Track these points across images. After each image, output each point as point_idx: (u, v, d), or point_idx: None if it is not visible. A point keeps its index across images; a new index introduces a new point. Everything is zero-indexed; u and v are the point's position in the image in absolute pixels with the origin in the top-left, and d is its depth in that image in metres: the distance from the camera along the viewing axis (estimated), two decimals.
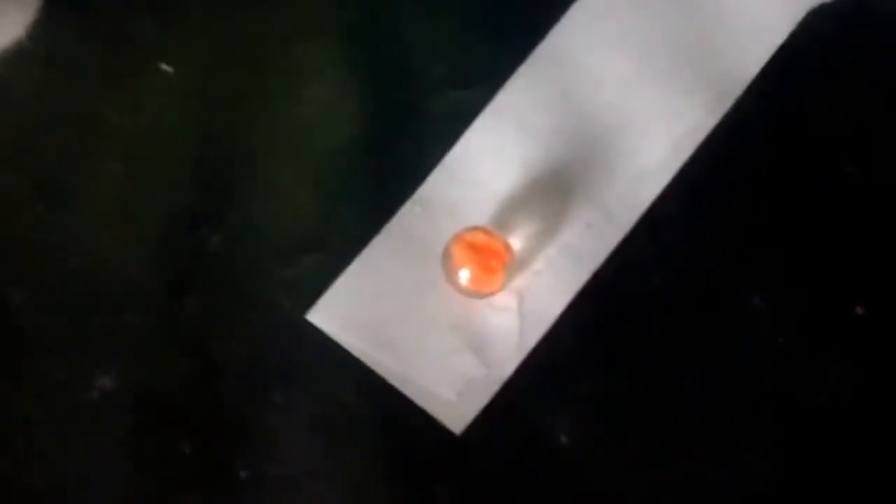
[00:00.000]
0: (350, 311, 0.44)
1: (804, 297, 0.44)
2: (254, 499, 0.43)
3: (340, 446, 0.44)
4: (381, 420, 0.44)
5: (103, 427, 0.44)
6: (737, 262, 0.45)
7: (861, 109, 0.46)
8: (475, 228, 0.44)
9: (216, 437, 0.44)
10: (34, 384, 0.45)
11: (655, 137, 0.46)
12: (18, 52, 0.48)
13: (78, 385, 0.44)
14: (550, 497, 0.43)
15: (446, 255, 0.43)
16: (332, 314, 0.44)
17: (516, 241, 0.44)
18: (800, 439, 0.43)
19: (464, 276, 0.43)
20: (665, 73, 0.47)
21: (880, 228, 0.45)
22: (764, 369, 0.43)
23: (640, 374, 0.44)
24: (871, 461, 0.43)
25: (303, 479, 0.43)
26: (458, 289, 0.43)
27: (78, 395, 0.44)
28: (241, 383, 0.44)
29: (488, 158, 0.46)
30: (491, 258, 0.43)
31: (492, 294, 0.44)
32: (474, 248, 0.43)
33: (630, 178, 0.45)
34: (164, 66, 0.48)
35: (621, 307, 0.44)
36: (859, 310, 0.44)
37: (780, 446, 0.43)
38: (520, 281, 0.44)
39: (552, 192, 0.46)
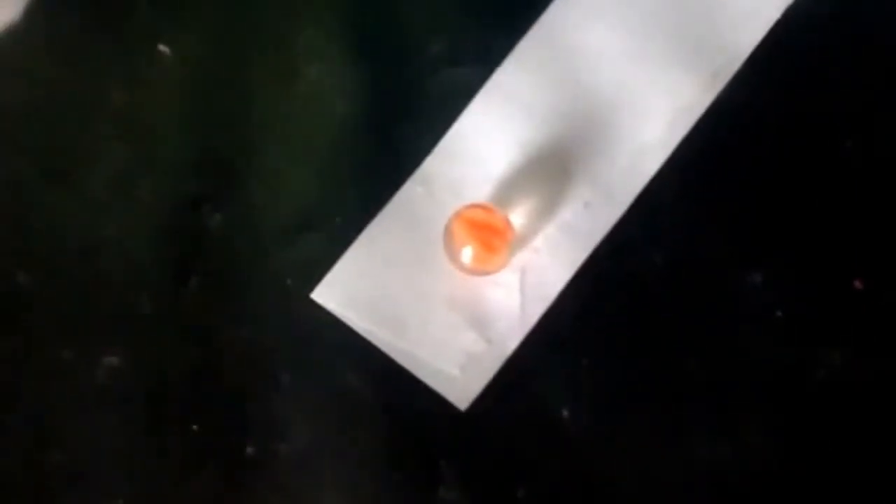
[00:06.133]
0: (354, 290, 0.45)
1: (804, 274, 0.45)
2: (261, 475, 0.44)
3: (346, 423, 0.44)
4: (386, 397, 0.44)
5: (111, 407, 0.44)
6: (736, 239, 0.45)
7: (858, 84, 0.46)
8: (476, 206, 0.44)
9: (223, 416, 0.44)
10: (41, 365, 0.45)
11: (652, 115, 0.46)
12: (15, 33, 0.48)
13: (85, 366, 0.45)
14: (554, 472, 0.43)
15: (448, 234, 0.44)
16: (336, 293, 0.45)
17: (516, 219, 0.45)
18: (799, 415, 0.43)
19: (466, 254, 0.43)
20: (662, 49, 0.47)
21: (878, 203, 0.45)
22: (764, 345, 0.44)
23: (641, 350, 0.44)
24: (871, 437, 0.43)
25: (309, 456, 0.44)
26: (461, 267, 0.44)
27: (85, 376, 0.45)
28: (246, 362, 0.45)
29: (487, 136, 0.46)
30: (493, 236, 0.43)
31: (494, 272, 0.44)
32: (476, 227, 0.43)
33: (627, 155, 0.46)
34: (162, 48, 0.48)
35: (621, 284, 0.45)
36: (858, 285, 0.44)
37: (779, 422, 0.43)
38: (520, 258, 0.45)
39: (550, 169, 0.46)
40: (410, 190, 0.46)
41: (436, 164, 0.46)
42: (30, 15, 0.48)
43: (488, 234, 0.43)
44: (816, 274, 0.45)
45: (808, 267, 0.45)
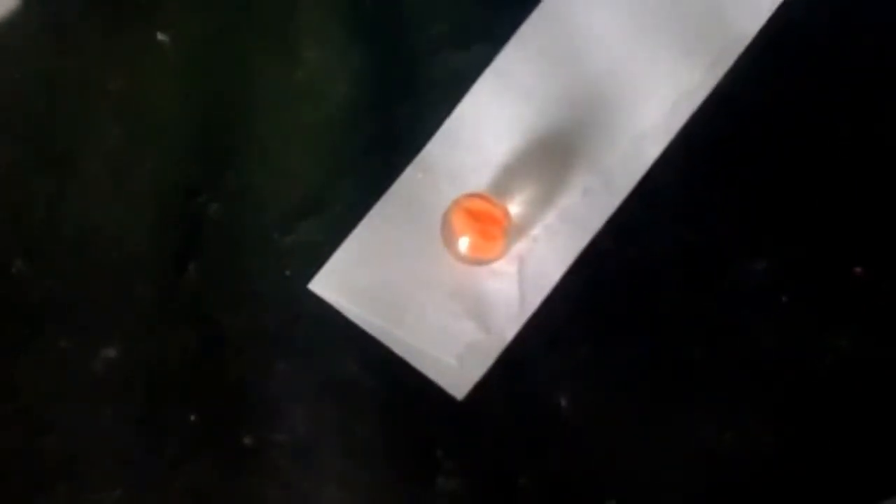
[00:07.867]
0: (351, 280, 0.45)
1: (806, 260, 0.44)
2: (259, 465, 0.44)
3: (343, 413, 0.44)
4: (383, 387, 0.44)
5: (109, 397, 0.44)
6: (737, 225, 0.45)
7: (859, 70, 0.46)
8: (474, 196, 0.44)
9: (220, 405, 0.44)
10: (38, 355, 0.45)
11: (653, 100, 0.46)
12: (15, 20, 0.48)
13: (82, 355, 0.45)
14: (551, 461, 0.43)
15: (446, 224, 0.43)
16: (333, 283, 0.45)
17: (515, 207, 0.44)
18: (804, 401, 0.43)
19: (463, 243, 0.43)
20: (664, 34, 0.46)
21: (881, 188, 0.45)
22: (766, 332, 0.44)
23: (640, 337, 0.44)
24: (876, 422, 0.43)
25: (307, 446, 0.44)
26: (458, 256, 0.43)
27: (82, 366, 0.45)
28: (244, 351, 0.45)
29: (487, 123, 0.46)
30: (490, 225, 0.43)
31: (492, 261, 0.44)
32: (473, 216, 0.43)
33: (628, 142, 0.45)
34: (160, 36, 0.48)
35: (621, 271, 0.44)
36: (858, 270, 0.44)
37: (783, 407, 0.43)
38: (519, 247, 0.45)
39: (550, 156, 0.45)
40: (411, 176, 0.46)
41: (436, 149, 0.46)
42: (29, 2, 0.48)
43: (486, 223, 0.43)
44: (819, 260, 0.44)
45: (810, 254, 0.44)
